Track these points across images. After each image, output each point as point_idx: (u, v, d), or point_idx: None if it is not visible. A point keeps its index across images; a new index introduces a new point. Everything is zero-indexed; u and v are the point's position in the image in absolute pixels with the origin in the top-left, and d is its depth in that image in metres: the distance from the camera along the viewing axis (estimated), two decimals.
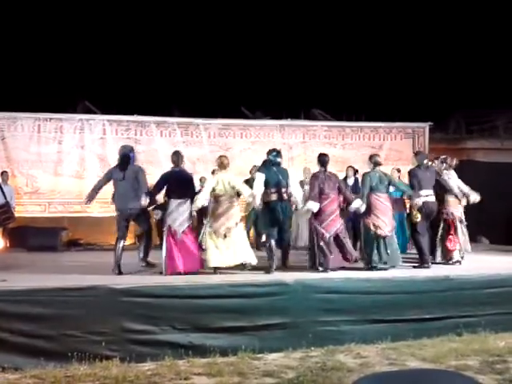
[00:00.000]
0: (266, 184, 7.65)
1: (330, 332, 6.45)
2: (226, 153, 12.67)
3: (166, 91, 14.88)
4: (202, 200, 7.51)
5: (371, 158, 8.26)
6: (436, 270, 7.78)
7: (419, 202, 8.03)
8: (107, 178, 7.85)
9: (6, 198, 11.07)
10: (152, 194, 7.68)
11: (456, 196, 8.61)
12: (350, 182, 10.55)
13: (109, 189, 12.11)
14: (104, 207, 12.09)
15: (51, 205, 12.06)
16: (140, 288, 6.22)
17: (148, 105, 12.84)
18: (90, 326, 5.86)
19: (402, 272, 7.58)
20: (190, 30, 16.06)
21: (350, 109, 13.76)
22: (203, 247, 7.58)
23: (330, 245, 7.56)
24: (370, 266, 7.72)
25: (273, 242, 7.69)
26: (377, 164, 8.11)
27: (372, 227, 7.78)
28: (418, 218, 8.16)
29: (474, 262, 8.59)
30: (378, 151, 13.30)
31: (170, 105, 13.32)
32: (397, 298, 6.79)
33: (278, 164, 7.86)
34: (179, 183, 7.54)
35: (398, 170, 10.83)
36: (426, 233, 8.23)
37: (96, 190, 7.89)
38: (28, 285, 6.13)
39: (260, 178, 7.67)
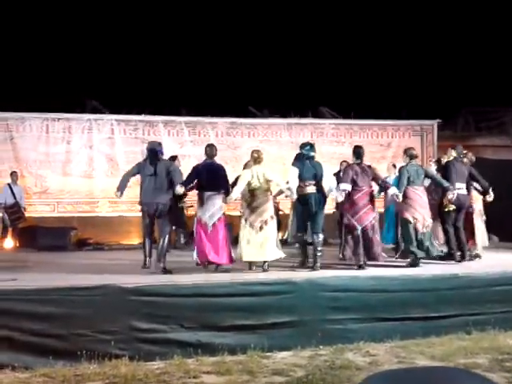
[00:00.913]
0: (300, 177, 7.73)
1: (339, 330, 6.43)
2: (233, 152, 12.67)
3: (173, 91, 14.90)
4: (237, 193, 7.57)
5: (406, 151, 8.36)
6: (444, 268, 7.77)
7: (454, 195, 8.17)
8: (135, 171, 7.81)
9: (15, 198, 11.20)
10: (184, 185, 7.64)
11: (477, 190, 8.80)
12: None
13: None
14: (113, 207, 12.15)
15: (60, 204, 12.11)
16: (149, 287, 6.24)
17: (156, 104, 12.87)
18: (99, 325, 5.87)
19: (411, 270, 7.57)
20: (198, 29, 16.07)
21: (357, 107, 13.72)
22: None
23: (360, 238, 7.62)
24: (412, 261, 7.86)
25: (306, 237, 7.84)
26: (413, 157, 8.21)
27: (412, 220, 7.85)
28: (451, 208, 8.32)
29: (483, 260, 8.58)
30: (386, 149, 13.31)
31: (178, 104, 13.34)
32: (405, 296, 6.77)
33: (312, 157, 7.94)
34: (211, 175, 7.61)
35: (394, 166, 10.69)
36: (451, 226, 8.46)
37: (125, 182, 7.84)
38: (38, 284, 6.16)
39: (294, 172, 7.76)
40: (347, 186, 7.68)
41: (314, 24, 16.66)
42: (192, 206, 11.07)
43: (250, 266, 7.55)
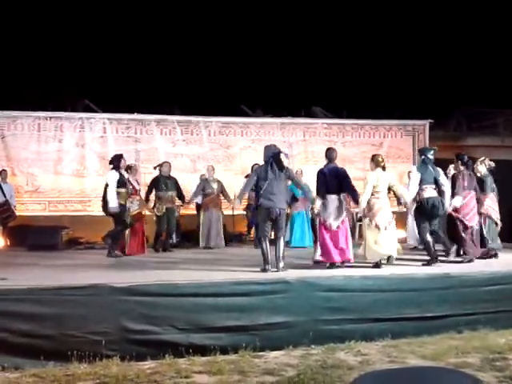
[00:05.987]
0: (422, 181, 8.12)
1: (331, 330, 6.43)
2: (226, 151, 12.66)
3: (166, 89, 14.88)
4: (367, 197, 7.78)
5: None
6: (436, 268, 7.79)
7: None
8: (256, 176, 7.70)
9: (5, 196, 11.13)
10: (319, 193, 7.82)
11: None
12: None
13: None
14: None
15: (51, 203, 12.05)
16: (140, 286, 6.20)
17: (148, 103, 12.83)
18: (90, 325, 5.84)
19: (403, 270, 7.59)
20: (190, 28, 16.05)
21: (350, 106, 13.74)
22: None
23: (474, 236, 8.44)
24: (492, 254, 8.75)
25: (430, 237, 8.12)
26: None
27: (496, 219, 8.95)
28: None
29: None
30: (378, 149, 13.31)
31: (170, 103, 13.32)
32: (397, 295, 6.77)
33: (433, 162, 8.37)
34: (335, 179, 7.84)
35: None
36: None
37: (246, 190, 7.96)
38: (28, 284, 6.12)
39: (416, 177, 8.12)
40: (459, 201, 8.40)
41: (308, 23, 16.67)
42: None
43: (378, 264, 7.71)
